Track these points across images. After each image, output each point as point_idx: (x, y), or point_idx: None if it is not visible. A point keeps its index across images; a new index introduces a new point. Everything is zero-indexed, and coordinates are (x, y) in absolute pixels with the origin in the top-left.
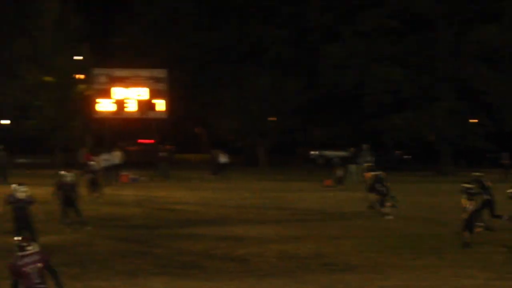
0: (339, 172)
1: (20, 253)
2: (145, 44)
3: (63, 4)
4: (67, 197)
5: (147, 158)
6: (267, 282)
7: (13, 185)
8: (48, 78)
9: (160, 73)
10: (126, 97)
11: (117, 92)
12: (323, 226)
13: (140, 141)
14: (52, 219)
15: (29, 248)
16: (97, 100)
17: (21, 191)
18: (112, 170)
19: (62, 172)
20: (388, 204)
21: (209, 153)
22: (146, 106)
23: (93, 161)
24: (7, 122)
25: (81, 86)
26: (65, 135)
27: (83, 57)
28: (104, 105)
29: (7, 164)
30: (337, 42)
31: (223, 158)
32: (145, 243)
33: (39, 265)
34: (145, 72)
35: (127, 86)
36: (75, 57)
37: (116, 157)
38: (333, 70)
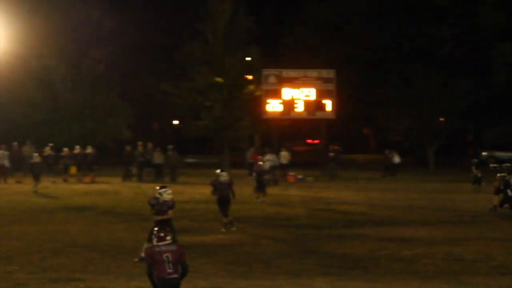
0: (477, 172)
1: (158, 243)
2: (313, 45)
3: (235, 5)
4: (222, 196)
5: (314, 158)
6: (432, 285)
7: (157, 188)
8: (218, 79)
9: (328, 73)
10: (294, 97)
11: (286, 92)
12: (492, 228)
13: (308, 141)
14: (215, 218)
15: (167, 238)
16: (267, 100)
17: (166, 194)
18: (279, 170)
19: (218, 171)
20: None
21: (382, 154)
22: (313, 106)
23: (260, 161)
24: (177, 122)
25: (251, 87)
26: (233, 135)
27: (253, 57)
28: (273, 106)
29: (177, 164)
30: (510, 41)
31: (397, 159)
32: (310, 243)
33: (173, 255)
34: (313, 73)
35: (295, 86)
36: (246, 58)
37: (282, 157)
38: (507, 69)
